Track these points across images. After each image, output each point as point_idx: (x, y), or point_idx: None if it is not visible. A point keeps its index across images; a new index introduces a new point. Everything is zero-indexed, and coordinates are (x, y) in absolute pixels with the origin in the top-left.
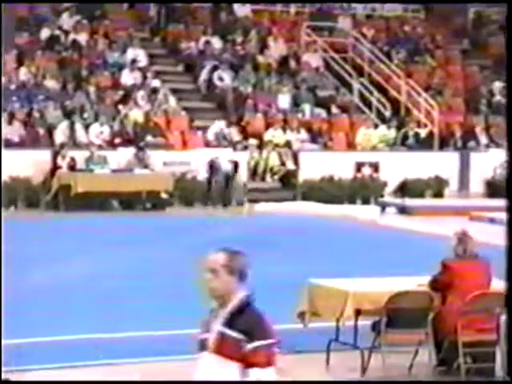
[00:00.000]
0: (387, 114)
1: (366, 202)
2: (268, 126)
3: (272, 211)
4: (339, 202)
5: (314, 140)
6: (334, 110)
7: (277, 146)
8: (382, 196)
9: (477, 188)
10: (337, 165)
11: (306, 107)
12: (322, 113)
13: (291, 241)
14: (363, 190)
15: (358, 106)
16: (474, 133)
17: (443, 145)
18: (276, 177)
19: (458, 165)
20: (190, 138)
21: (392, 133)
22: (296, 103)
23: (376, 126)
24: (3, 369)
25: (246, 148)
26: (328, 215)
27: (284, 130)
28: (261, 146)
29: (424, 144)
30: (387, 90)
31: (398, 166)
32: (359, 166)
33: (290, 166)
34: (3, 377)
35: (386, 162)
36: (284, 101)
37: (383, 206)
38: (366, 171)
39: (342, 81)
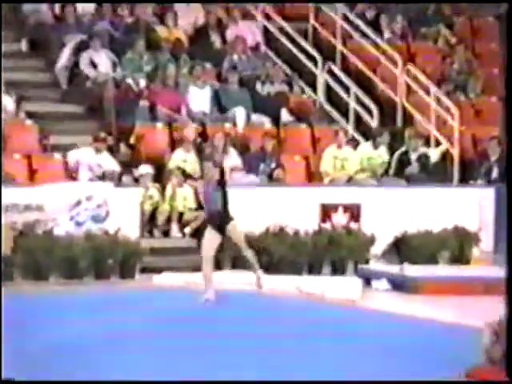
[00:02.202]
0: (373, 123)
1: (338, 270)
2: (174, 143)
3: (181, 286)
4: (294, 271)
5: (252, 167)
6: (286, 116)
7: (189, 176)
8: (365, 261)
9: None
10: (291, 209)
11: (239, 112)
12: (266, 121)
13: (210, 334)
14: (334, 250)
15: (324, 111)
16: None
17: (468, 175)
18: (188, 229)
19: (493, 209)
20: (41, 165)
21: (382, 155)
22: (221, 106)
23: (355, 144)
24: None
25: (136, 181)
26: (274, 293)
27: (201, 150)
28: (162, 178)
29: (436, 174)
30: (373, 84)
31: (393, 211)
32: (328, 211)
33: None
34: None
35: (371, 203)
36: (201, 101)
37: (368, 278)
38: (339, 219)
39: (299, 68)
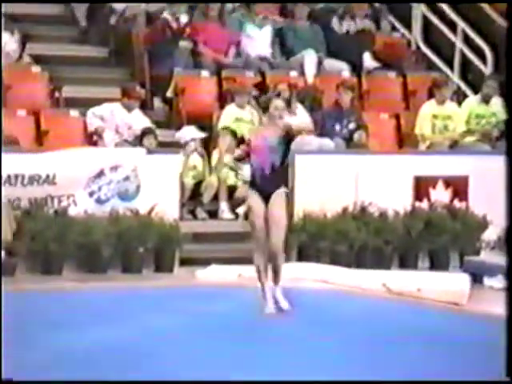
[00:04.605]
0: (486, 69)
1: (438, 263)
2: (224, 97)
3: (233, 283)
4: (381, 264)
5: (325, 128)
6: (370, 61)
7: (244, 140)
8: (475, 251)
9: None
10: (376, 183)
11: (309, 57)
12: (344, 68)
13: (274, 347)
14: (433, 237)
15: (420, 54)
16: None
17: None
18: (243, 209)
19: None
20: (52, 125)
21: (497, 111)
22: (285, 49)
23: (462, 98)
24: None
25: (179, 146)
26: (354, 292)
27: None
28: (210, 143)
29: None
30: (487, 18)
31: None
32: (425, 186)
33: None
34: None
35: (483, 175)
36: (260, 43)
37: (478, 274)
38: (440, 196)
39: None
